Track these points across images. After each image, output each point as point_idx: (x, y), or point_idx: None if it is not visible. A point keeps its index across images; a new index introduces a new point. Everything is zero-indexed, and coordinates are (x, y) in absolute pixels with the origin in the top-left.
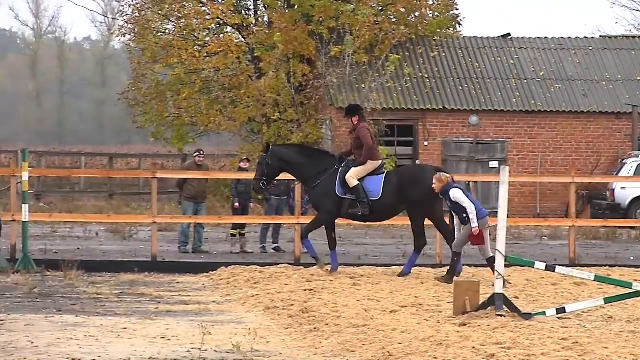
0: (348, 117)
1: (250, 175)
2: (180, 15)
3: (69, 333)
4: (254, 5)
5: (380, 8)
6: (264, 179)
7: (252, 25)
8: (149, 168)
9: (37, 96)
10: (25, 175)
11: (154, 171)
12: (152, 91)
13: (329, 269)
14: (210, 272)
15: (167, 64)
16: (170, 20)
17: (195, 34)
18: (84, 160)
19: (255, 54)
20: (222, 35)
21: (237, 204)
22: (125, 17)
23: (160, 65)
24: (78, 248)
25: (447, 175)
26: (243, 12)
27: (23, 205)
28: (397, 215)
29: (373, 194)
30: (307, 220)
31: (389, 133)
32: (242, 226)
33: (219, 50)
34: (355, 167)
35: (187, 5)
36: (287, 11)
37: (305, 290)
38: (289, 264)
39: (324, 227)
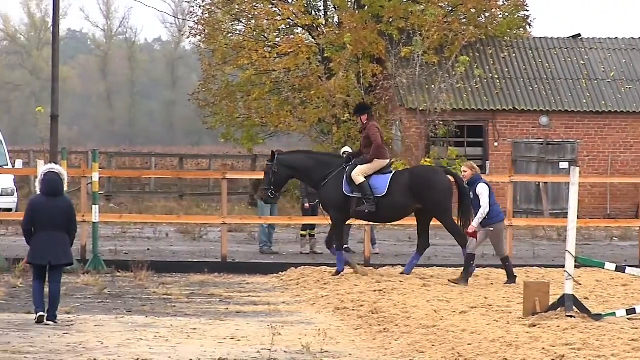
0: (357, 116)
1: None
2: (250, 16)
3: (139, 334)
4: (324, 6)
5: (450, 8)
6: (272, 187)
7: (322, 25)
8: (219, 169)
9: (108, 97)
10: (95, 176)
11: (224, 172)
12: (222, 92)
13: (363, 272)
14: (280, 273)
15: (237, 65)
16: (241, 21)
17: (266, 35)
18: (154, 161)
19: (326, 55)
20: (292, 36)
21: (307, 205)
22: (195, 18)
23: (230, 67)
24: (148, 249)
25: (476, 166)
26: (313, 12)
27: (93, 206)
28: (408, 215)
29: (378, 190)
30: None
31: (458, 134)
32: (312, 227)
33: (289, 51)
34: (362, 164)
35: (257, 6)
36: (357, 12)
37: (375, 291)
38: (358, 264)
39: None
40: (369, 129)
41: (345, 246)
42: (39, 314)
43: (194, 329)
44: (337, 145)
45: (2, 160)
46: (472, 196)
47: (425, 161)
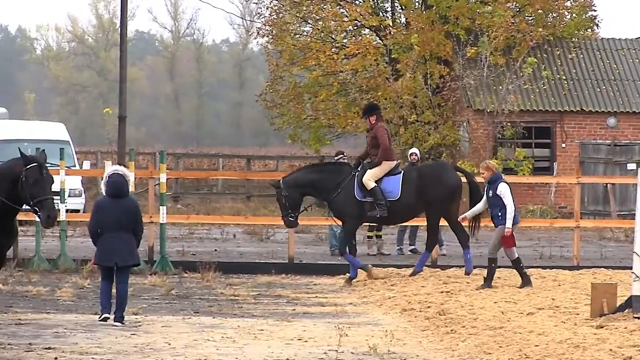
0: (366, 117)
1: None
2: (318, 17)
3: (206, 334)
4: (391, 7)
5: (518, 9)
6: (290, 212)
7: (389, 26)
8: (286, 170)
9: (175, 98)
10: (163, 177)
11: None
12: (289, 93)
13: (378, 274)
14: (347, 274)
15: (304, 66)
16: (308, 22)
17: (333, 36)
18: (221, 162)
19: (393, 56)
20: (359, 37)
21: None
22: (263, 19)
23: (298, 68)
24: (215, 250)
25: (496, 164)
26: (380, 13)
27: (161, 207)
28: (419, 214)
29: (392, 194)
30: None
31: (526, 135)
32: (379, 228)
33: (356, 52)
34: (370, 169)
35: (325, 7)
36: (424, 12)
37: (442, 292)
38: (425, 265)
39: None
40: (376, 129)
41: (412, 247)
42: (104, 315)
43: (261, 329)
44: (404, 147)
45: (70, 162)
46: (490, 194)
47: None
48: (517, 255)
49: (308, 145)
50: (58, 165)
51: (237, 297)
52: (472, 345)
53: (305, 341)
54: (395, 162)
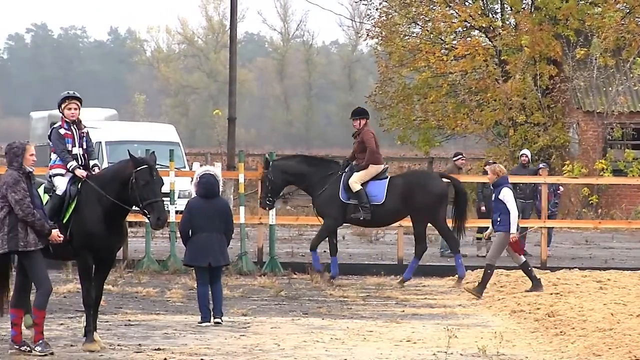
0: (357, 120)
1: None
2: (427, 19)
3: (315, 336)
4: (500, 8)
5: (627, 10)
6: (269, 195)
7: (498, 28)
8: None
9: (285, 100)
10: None
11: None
12: (398, 94)
13: (331, 277)
14: (456, 276)
15: (414, 67)
16: (417, 24)
17: (442, 37)
18: None
19: (502, 57)
20: (469, 38)
21: (483, 208)
22: (372, 21)
23: (407, 69)
24: (324, 251)
25: (503, 169)
26: (490, 15)
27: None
28: (402, 219)
29: (377, 198)
30: (553, 223)
31: (635, 136)
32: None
33: (465, 53)
34: (357, 171)
35: (434, 8)
36: (533, 14)
37: (551, 293)
38: (535, 267)
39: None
40: (364, 134)
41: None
42: (205, 323)
43: (370, 331)
44: (513, 148)
45: (180, 163)
46: (493, 198)
47: (601, 163)
48: (524, 259)
49: (417, 146)
50: (168, 167)
51: (346, 299)
52: (581, 347)
53: (414, 343)
54: (382, 166)
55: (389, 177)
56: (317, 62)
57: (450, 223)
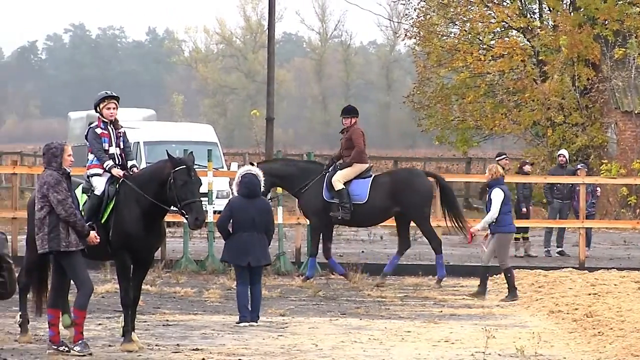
0: (347, 118)
1: (533, 179)
2: (465, 19)
3: (352, 336)
4: (539, 8)
5: None
6: None
7: (537, 28)
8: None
9: (323, 100)
10: None
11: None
12: (436, 95)
13: (306, 277)
14: (495, 276)
15: (452, 67)
16: (455, 24)
17: (480, 38)
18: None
19: (540, 57)
20: (507, 38)
21: (524, 209)
22: (410, 21)
23: (445, 69)
24: (362, 251)
25: (502, 170)
26: (528, 15)
27: None
28: (388, 218)
29: (359, 197)
30: (591, 224)
31: None
32: (526, 230)
33: (503, 53)
34: (341, 169)
35: (472, 8)
36: (571, 14)
37: (589, 294)
38: (573, 267)
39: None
40: (352, 131)
41: (560, 249)
42: (243, 323)
43: (408, 331)
44: (551, 148)
45: (217, 163)
46: (487, 198)
47: (639, 163)
48: (490, 264)
49: (455, 146)
50: (206, 167)
51: (384, 299)
52: (619, 348)
53: (452, 343)
54: (367, 165)
55: (372, 175)
56: (355, 62)
57: (447, 222)
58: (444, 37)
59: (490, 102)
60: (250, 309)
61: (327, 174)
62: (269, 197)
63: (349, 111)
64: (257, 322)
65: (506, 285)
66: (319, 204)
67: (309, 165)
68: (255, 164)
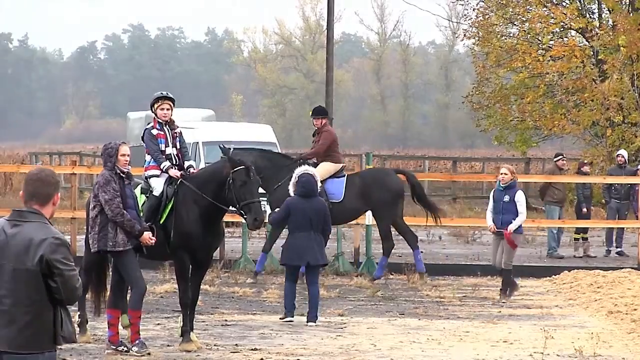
0: (317, 119)
1: (592, 180)
2: (524, 19)
3: (411, 336)
4: (597, 9)
5: None
6: None
7: (595, 28)
8: (493, 172)
9: (381, 100)
10: None
11: (496, 175)
12: (495, 95)
13: (255, 272)
14: (553, 276)
15: (510, 67)
16: (514, 24)
17: (539, 38)
18: (427, 164)
19: (599, 57)
20: (565, 39)
21: (585, 209)
22: (469, 21)
23: (504, 69)
24: (421, 251)
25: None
26: (587, 15)
27: None
28: (359, 216)
29: (335, 196)
30: None
31: None
32: (585, 230)
33: (562, 54)
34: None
35: (531, 9)
36: (631, 14)
37: None
38: (632, 268)
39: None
40: (322, 134)
41: (619, 250)
42: (287, 318)
43: (467, 332)
44: (610, 148)
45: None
46: (507, 199)
47: None
48: (512, 267)
49: (514, 147)
50: None
51: (442, 299)
52: None
53: (511, 343)
54: (340, 165)
55: (346, 175)
56: (414, 62)
57: (424, 218)
58: (503, 38)
59: (549, 102)
60: (295, 306)
61: None
62: None
63: (319, 112)
64: (315, 322)
65: (564, 286)
66: None
67: (280, 158)
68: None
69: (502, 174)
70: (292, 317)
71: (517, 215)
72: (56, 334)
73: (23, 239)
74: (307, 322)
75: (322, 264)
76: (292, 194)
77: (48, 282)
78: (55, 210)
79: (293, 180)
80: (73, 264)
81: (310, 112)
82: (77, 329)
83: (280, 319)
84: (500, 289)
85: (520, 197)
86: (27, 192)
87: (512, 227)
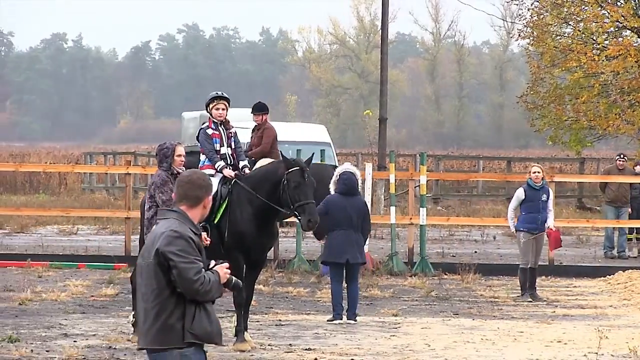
0: (258, 115)
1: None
2: (579, 19)
3: (465, 336)
4: None
5: None
6: None
7: None
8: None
9: (436, 100)
10: (423, 179)
11: (551, 175)
12: (550, 95)
13: None
14: (608, 277)
15: (565, 67)
16: (569, 24)
17: (594, 38)
18: (481, 164)
19: None
20: (620, 38)
21: (629, 210)
22: (524, 21)
23: (558, 69)
24: (475, 251)
25: None
26: None
27: (421, 208)
28: None
29: None
30: None
31: None
32: (639, 230)
33: (617, 53)
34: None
35: (586, 8)
36: None
37: None
38: None
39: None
40: (264, 130)
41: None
42: (336, 321)
43: (521, 332)
44: None
45: (331, 163)
46: (544, 198)
47: None
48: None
49: (569, 147)
50: None
51: (496, 299)
52: None
53: (565, 343)
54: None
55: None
56: (469, 62)
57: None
58: (558, 37)
59: (604, 102)
60: (343, 307)
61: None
62: None
63: (260, 108)
64: (355, 321)
65: (618, 286)
66: None
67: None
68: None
69: (535, 172)
70: (341, 318)
71: (545, 219)
72: (184, 331)
73: (153, 235)
74: (347, 319)
75: (361, 263)
76: (332, 192)
77: (170, 275)
78: (206, 212)
79: (334, 178)
80: (193, 257)
81: (251, 109)
82: (132, 329)
83: (328, 321)
84: (529, 289)
85: (551, 195)
86: (178, 194)
87: (553, 223)
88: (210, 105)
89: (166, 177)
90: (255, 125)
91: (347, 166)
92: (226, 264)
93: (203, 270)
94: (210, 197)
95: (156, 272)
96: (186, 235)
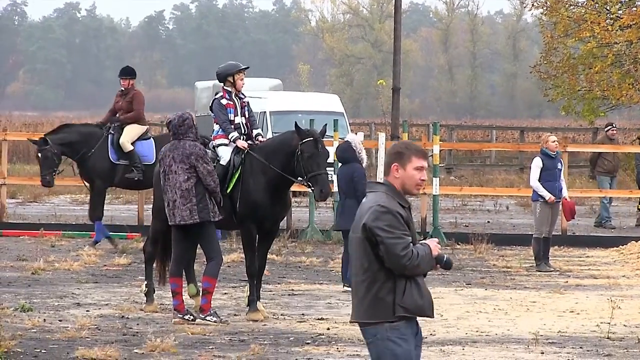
0: (126, 79)
1: None
2: None
3: (478, 306)
4: None
5: None
6: (50, 171)
7: None
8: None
9: (449, 70)
10: (436, 149)
11: (564, 145)
12: (563, 65)
13: (94, 242)
14: (620, 247)
15: (578, 37)
16: None
17: (608, 7)
18: (495, 134)
19: None
20: (634, 8)
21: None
22: None
23: (572, 39)
24: (488, 221)
25: None
26: None
27: (434, 178)
28: None
29: (147, 158)
30: None
31: None
32: None
33: (631, 23)
34: (121, 128)
35: None
36: None
37: None
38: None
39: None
40: (134, 96)
41: None
42: (345, 288)
43: (533, 302)
44: None
45: (344, 133)
46: (560, 167)
47: None
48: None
49: (582, 116)
50: (332, 137)
51: (509, 269)
52: None
53: (578, 314)
54: (146, 127)
55: (151, 137)
56: (482, 32)
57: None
58: (571, 7)
59: (617, 72)
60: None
61: (110, 136)
62: (60, 169)
63: (128, 72)
64: None
65: (631, 256)
66: (106, 166)
67: (88, 129)
68: (47, 138)
69: (553, 142)
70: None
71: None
72: (395, 305)
73: (361, 209)
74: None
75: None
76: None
77: (378, 250)
78: (403, 179)
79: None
80: (400, 231)
81: (119, 72)
82: (145, 299)
83: (343, 291)
84: (542, 259)
85: (561, 165)
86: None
87: (566, 195)
88: (236, 76)
89: (204, 148)
90: (122, 89)
91: (351, 136)
92: (436, 239)
93: (411, 245)
94: (397, 165)
95: (364, 247)
96: (394, 210)
